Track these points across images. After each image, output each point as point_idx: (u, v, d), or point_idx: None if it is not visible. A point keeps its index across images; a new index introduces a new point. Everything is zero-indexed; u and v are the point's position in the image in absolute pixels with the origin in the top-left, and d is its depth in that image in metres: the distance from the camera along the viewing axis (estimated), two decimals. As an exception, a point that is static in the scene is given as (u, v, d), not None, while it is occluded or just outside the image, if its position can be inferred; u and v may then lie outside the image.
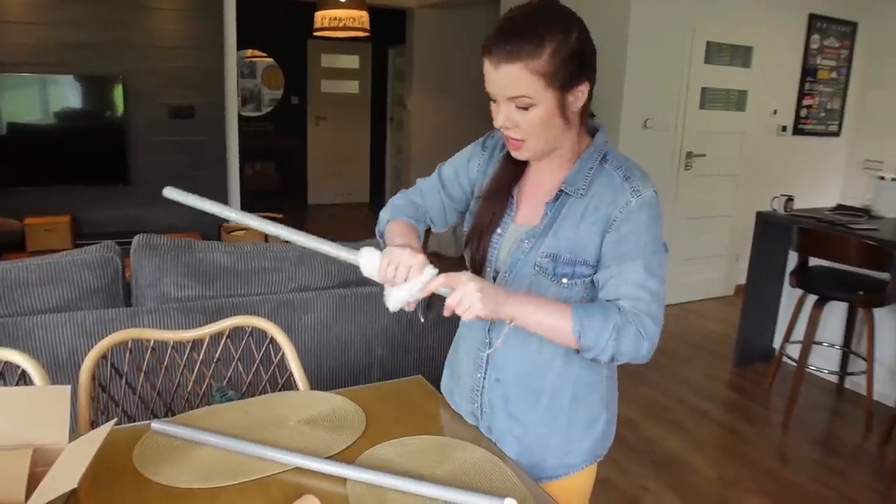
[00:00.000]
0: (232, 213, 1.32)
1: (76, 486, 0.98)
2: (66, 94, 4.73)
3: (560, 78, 1.14)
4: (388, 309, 1.24)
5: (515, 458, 1.36)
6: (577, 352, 1.21)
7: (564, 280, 1.24)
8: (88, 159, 4.76)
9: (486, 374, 1.39)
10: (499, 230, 1.33)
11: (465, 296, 1.13)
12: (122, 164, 4.80)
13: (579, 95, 1.19)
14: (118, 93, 4.74)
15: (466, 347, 1.44)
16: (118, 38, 4.71)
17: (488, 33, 1.17)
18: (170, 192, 1.30)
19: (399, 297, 1.21)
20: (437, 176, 1.47)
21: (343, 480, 1.21)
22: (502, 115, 1.19)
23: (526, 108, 1.16)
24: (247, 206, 5.51)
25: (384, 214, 1.43)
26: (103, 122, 4.79)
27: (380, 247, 1.34)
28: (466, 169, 1.43)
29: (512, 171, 1.34)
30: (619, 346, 1.18)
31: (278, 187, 9.07)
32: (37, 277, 2.11)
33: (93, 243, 2.30)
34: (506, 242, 1.31)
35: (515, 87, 1.14)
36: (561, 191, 1.25)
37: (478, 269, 1.36)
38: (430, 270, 1.19)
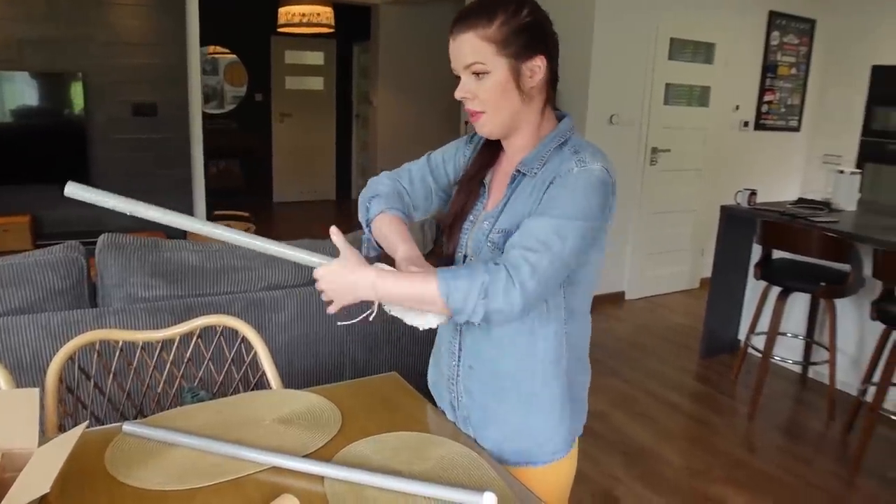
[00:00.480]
0: (150, 212, 1.28)
1: (48, 490, 0.96)
2: (24, 92, 4.61)
3: (512, 47, 1.20)
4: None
5: (499, 446, 1.37)
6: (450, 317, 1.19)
7: None
8: (48, 158, 4.64)
9: (459, 361, 1.40)
10: (471, 217, 1.36)
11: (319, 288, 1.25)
12: (84, 162, 4.69)
13: (535, 70, 1.23)
14: (78, 90, 4.63)
15: (443, 339, 1.46)
16: (78, 33, 4.60)
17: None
18: (72, 189, 1.20)
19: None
20: (425, 160, 1.49)
21: (321, 479, 1.20)
22: (461, 87, 1.25)
23: (481, 76, 1.22)
24: (211, 204, 5.45)
25: (374, 205, 1.41)
26: (63, 120, 4.68)
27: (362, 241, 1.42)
28: (454, 158, 1.46)
29: (485, 160, 1.38)
30: (490, 304, 1.13)
31: (243, 185, 8.97)
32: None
33: (54, 243, 2.25)
34: (474, 228, 1.35)
35: (470, 55, 1.21)
36: (517, 171, 1.29)
37: (451, 258, 1.38)
38: None
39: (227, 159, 8.88)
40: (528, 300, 1.14)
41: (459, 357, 1.39)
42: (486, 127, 1.28)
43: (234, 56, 9.00)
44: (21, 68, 4.50)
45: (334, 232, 1.26)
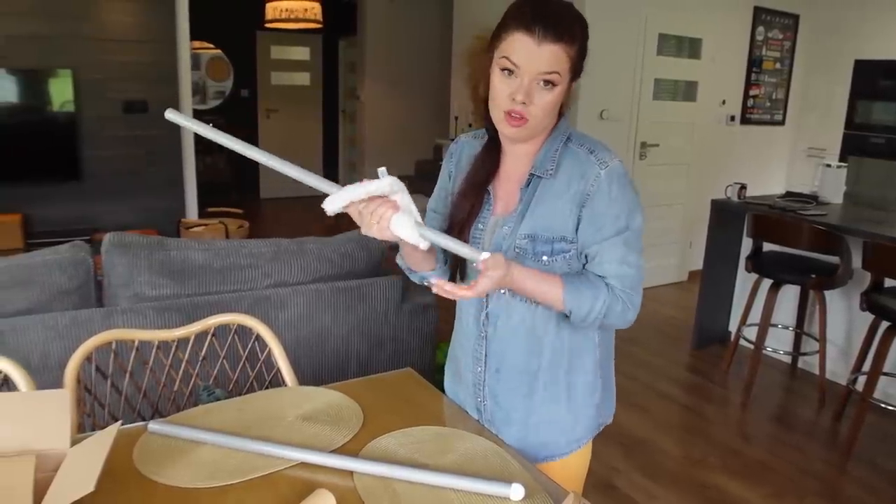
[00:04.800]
0: (231, 142, 1.20)
1: (93, 489, 0.97)
2: (13, 89, 4.56)
3: (578, 66, 1.25)
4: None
5: (522, 439, 1.40)
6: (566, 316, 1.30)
7: (545, 258, 1.29)
8: (38, 155, 4.60)
9: (485, 366, 1.42)
10: (480, 225, 1.36)
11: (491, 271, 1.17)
12: (74, 159, 4.66)
13: (573, 87, 1.29)
14: (68, 87, 4.59)
15: (463, 346, 1.47)
16: (67, 30, 4.56)
17: (519, 7, 1.22)
18: (171, 115, 1.19)
19: (342, 198, 1.16)
20: (429, 209, 1.50)
21: (350, 474, 1.22)
22: (523, 90, 1.21)
23: (549, 87, 1.22)
24: (200, 200, 5.42)
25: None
26: (53, 117, 4.64)
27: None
28: (448, 184, 1.47)
29: (487, 166, 1.37)
30: (606, 321, 1.28)
31: (230, 181, 8.91)
32: (6, 279, 2.06)
33: (45, 242, 2.25)
34: (487, 234, 1.35)
35: (554, 65, 1.20)
36: (532, 174, 1.31)
37: (459, 264, 1.39)
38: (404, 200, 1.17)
39: (214, 155, 8.82)
40: (637, 312, 1.31)
41: (486, 362, 1.41)
42: (525, 132, 1.27)
43: (216, 51, 8.94)
44: (9, 65, 4.45)
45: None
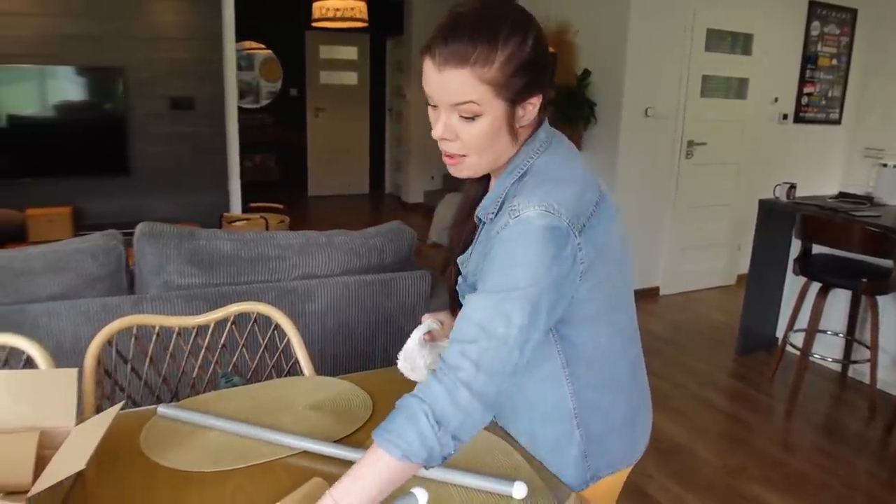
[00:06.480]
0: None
1: (84, 467, 0.97)
2: (67, 86, 4.72)
3: (512, 89, 1.00)
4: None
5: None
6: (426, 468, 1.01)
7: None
8: (89, 150, 4.76)
9: None
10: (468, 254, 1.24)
11: None
12: (123, 155, 4.80)
13: (529, 109, 1.05)
14: (118, 84, 4.73)
15: None
16: (117, 29, 4.70)
17: (433, 30, 1.03)
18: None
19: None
20: None
21: (351, 464, 1.20)
22: (441, 124, 1.04)
23: (471, 119, 1.02)
24: (247, 197, 5.51)
25: None
26: (104, 114, 4.79)
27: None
28: None
29: (474, 194, 1.24)
30: (450, 427, 0.97)
31: (278, 179, 9.06)
32: (41, 266, 2.11)
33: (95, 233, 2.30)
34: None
35: (461, 94, 1.00)
36: (477, 217, 1.15)
37: (454, 297, 1.29)
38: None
39: (263, 153, 8.98)
40: (487, 399, 0.98)
41: None
42: (466, 171, 1.10)
43: (269, 52, 9.09)
44: (63, 63, 4.60)
45: None
